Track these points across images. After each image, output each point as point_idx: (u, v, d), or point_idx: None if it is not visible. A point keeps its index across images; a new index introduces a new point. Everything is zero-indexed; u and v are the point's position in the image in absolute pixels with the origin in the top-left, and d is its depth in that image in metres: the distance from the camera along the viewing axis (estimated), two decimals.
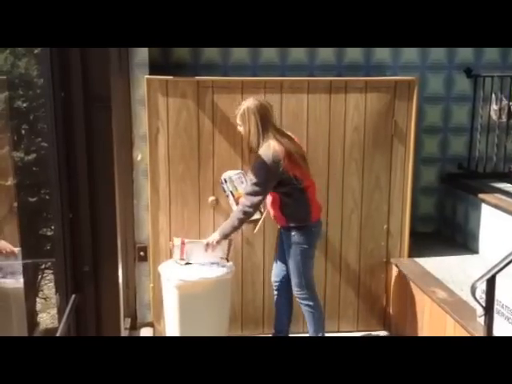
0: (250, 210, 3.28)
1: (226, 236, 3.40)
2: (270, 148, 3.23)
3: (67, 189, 1.90)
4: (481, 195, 4.17)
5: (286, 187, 3.31)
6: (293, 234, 3.37)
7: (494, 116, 4.57)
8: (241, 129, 3.35)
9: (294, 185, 3.30)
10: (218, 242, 3.42)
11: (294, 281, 3.46)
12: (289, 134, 3.42)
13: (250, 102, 3.30)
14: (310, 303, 3.47)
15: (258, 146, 3.27)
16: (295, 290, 3.48)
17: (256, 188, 3.25)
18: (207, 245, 3.43)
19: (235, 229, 3.37)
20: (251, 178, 3.30)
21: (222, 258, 3.54)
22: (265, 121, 3.26)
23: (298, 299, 3.51)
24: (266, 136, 3.25)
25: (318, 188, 3.95)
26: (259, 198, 3.26)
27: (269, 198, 3.42)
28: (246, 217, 3.31)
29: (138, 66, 3.77)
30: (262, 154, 3.24)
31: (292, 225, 3.37)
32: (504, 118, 4.55)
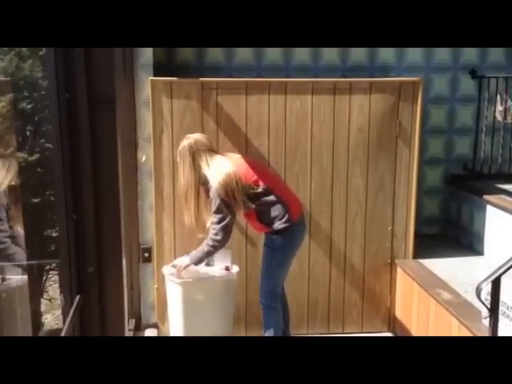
0: (218, 237, 3.26)
1: (197, 262, 3.38)
2: (218, 174, 3.24)
3: (72, 190, 1.90)
4: (486, 196, 4.16)
5: (256, 200, 3.30)
6: (275, 237, 3.35)
7: (498, 117, 4.56)
8: (180, 168, 3.37)
9: (262, 193, 3.29)
10: (186, 267, 3.39)
11: (261, 281, 3.46)
12: (230, 154, 3.46)
13: (184, 142, 3.34)
14: (269, 308, 3.46)
15: (195, 185, 3.30)
16: (260, 291, 3.48)
17: (218, 215, 3.24)
18: (177, 270, 3.41)
19: (207, 255, 3.36)
20: (211, 207, 3.28)
21: (226, 267, 3.54)
22: (202, 155, 3.29)
23: (260, 299, 3.50)
24: (207, 167, 3.27)
25: (323, 189, 3.96)
26: (224, 222, 3.24)
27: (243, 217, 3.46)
28: (217, 244, 3.28)
29: (143, 67, 3.77)
30: (210, 182, 3.25)
31: (274, 229, 3.34)
32: (509, 119, 4.54)
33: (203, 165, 3.28)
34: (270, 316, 3.48)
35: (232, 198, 3.23)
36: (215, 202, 3.24)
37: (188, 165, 3.31)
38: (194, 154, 3.30)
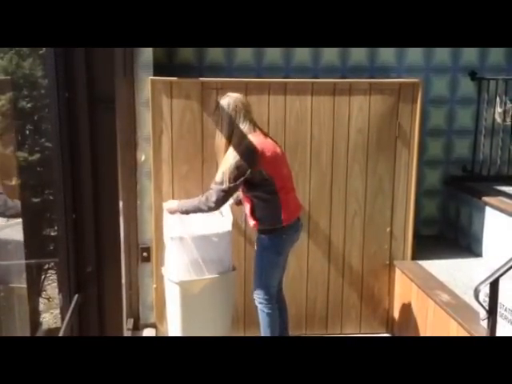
0: (213, 204, 3.22)
1: (184, 213, 3.36)
2: (244, 142, 3.19)
3: (71, 189, 1.90)
4: (485, 198, 4.17)
5: (257, 190, 3.26)
6: (263, 237, 3.34)
7: (498, 119, 4.57)
8: (217, 126, 3.30)
9: (266, 187, 3.24)
10: (172, 213, 3.38)
11: (254, 282, 3.45)
12: (266, 132, 3.40)
13: (225, 99, 3.26)
14: (264, 309, 3.45)
15: (229, 143, 3.22)
16: (254, 292, 3.47)
17: (222, 179, 3.17)
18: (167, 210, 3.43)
19: (197, 211, 3.32)
20: (223, 170, 3.19)
21: (233, 267, 3.53)
22: (241, 116, 3.22)
23: (254, 300, 3.49)
24: (239, 131, 3.20)
25: (322, 190, 3.96)
26: (225, 190, 3.18)
27: (242, 201, 3.43)
28: (211, 207, 3.24)
29: (143, 67, 3.77)
30: (234, 147, 3.19)
31: (262, 228, 3.33)
32: (508, 121, 4.55)
33: (238, 124, 3.20)
34: (265, 320, 3.47)
35: (243, 173, 3.15)
36: (226, 166, 3.16)
37: (226, 122, 3.22)
38: (233, 111, 3.21)
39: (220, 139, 3.27)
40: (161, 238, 3.86)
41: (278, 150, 3.35)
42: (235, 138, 3.21)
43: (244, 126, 3.22)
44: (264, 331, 3.49)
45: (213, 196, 3.21)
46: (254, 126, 3.29)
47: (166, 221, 3.53)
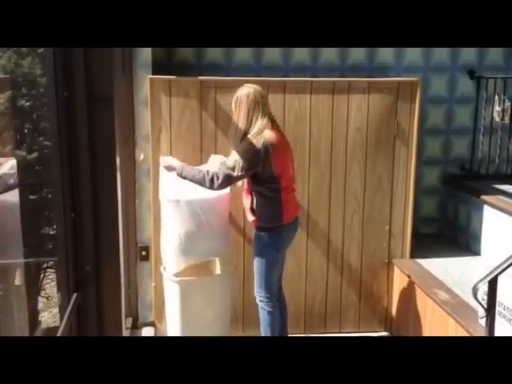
0: (216, 186, 3.19)
1: (183, 177, 3.30)
2: (262, 136, 3.18)
3: (69, 188, 1.90)
4: (483, 197, 4.17)
5: (262, 186, 3.25)
6: (262, 234, 3.33)
7: (496, 117, 4.57)
8: (234, 116, 3.28)
9: (271, 184, 3.24)
10: (170, 170, 3.36)
11: (255, 281, 3.44)
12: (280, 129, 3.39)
13: (244, 90, 3.24)
14: (265, 307, 3.44)
15: (246, 134, 3.20)
16: (255, 290, 3.47)
17: (233, 166, 3.15)
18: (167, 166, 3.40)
19: (196, 182, 3.26)
20: (236, 158, 3.17)
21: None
22: (259, 108, 3.20)
23: (255, 298, 3.49)
24: (258, 123, 3.19)
25: (321, 188, 3.96)
26: (232, 176, 3.17)
27: (243, 194, 3.41)
28: (213, 187, 3.21)
29: (142, 66, 3.77)
30: (252, 139, 3.18)
31: (261, 225, 3.33)
32: (507, 120, 4.55)
33: (258, 116, 3.19)
34: (266, 319, 3.46)
35: (256, 165, 3.16)
36: (241, 155, 3.15)
37: (245, 111, 3.20)
38: (252, 102, 3.19)
39: (236, 130, 3.26)
40: (159, 236, 3.87)
41: (290, 149, 3.38)
42: (253, 129, 3.20)
43: (263, 119, 3.21)
44: (264, 329, 3.49)
45: (219, 178, 3.19)
46: (272, 120, 3.29)
47: (161, 181, 3.50)
